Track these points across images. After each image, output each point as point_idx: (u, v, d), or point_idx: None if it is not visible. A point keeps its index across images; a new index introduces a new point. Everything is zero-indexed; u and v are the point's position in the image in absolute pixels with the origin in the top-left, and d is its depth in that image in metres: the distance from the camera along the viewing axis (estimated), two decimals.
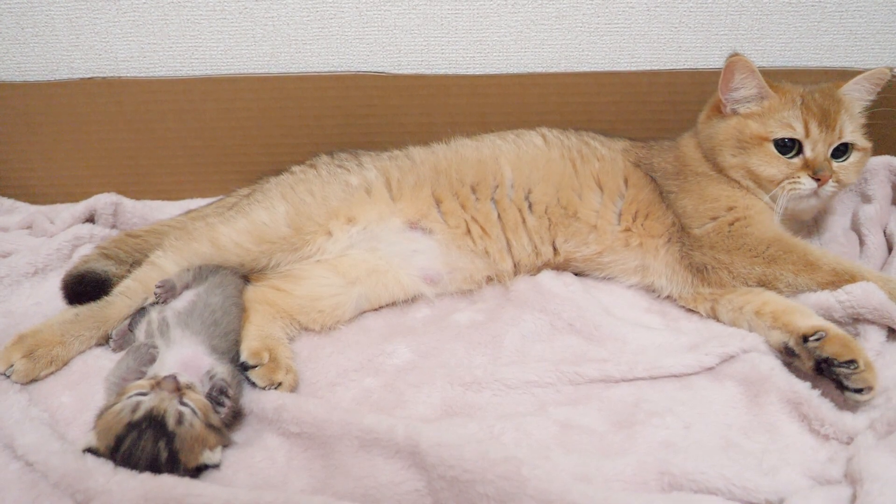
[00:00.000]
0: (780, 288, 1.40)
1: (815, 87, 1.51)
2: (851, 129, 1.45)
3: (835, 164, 1.45)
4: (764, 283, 1.42)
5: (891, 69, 1.45)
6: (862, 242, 1.62)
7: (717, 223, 1.47)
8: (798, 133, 1.44)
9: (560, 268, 1.61)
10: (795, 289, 1.39)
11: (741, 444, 1.11)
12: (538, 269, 1.59)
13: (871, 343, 1.27)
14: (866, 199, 1.73)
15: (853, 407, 1.16)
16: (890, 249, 1.59)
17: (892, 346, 1.29)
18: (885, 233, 1.63)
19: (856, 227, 1.68)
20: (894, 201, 1.73)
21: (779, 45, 2.05)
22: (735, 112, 1.52)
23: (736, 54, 1.48)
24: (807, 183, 1.43)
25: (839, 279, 1.34)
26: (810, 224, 1.72)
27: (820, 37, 2.04)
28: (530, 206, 1.57)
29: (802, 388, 1.19)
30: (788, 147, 1.46)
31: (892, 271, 1.46)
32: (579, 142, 1.66)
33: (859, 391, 1.15)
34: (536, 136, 1.67)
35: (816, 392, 1.20)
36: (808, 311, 1.31)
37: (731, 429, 1.15)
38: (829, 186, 1.43)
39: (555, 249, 1.58)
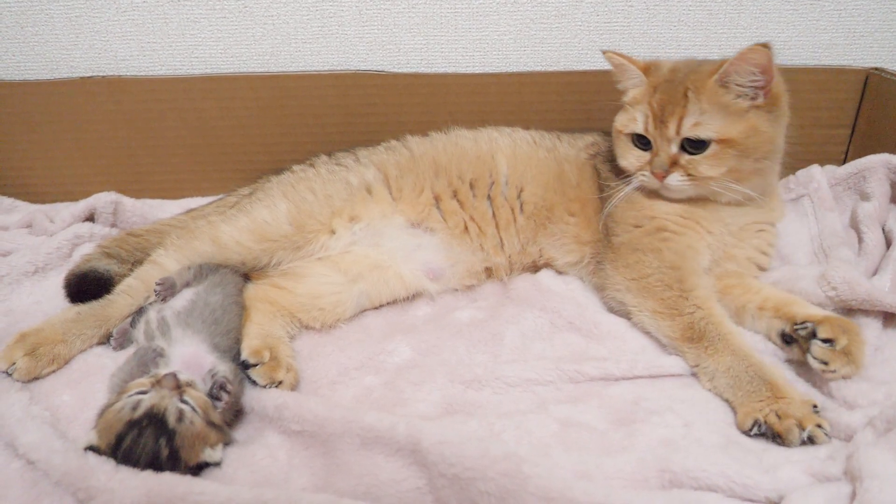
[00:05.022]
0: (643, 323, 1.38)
1: (691, 69, 1.40)
2: (693, 123, 1.34)
3: (685, 159, 1.37)
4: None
5: (765, 45, 1.28)
6: (860, 239, 1.62)
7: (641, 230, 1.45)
8: (639, 127, 1.42)
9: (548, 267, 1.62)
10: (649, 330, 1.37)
11: (741, 441, 1.11)
12: (525, 269, 1.61)
13: (866, 338, 1.27)
14: (865, 196, 1.73)
15: (852, 405, 1.16)
16: (888, 246, 1.59)
17: (890, 335, 1.30)
18: (883, 230, 1.63)
19: (854, 225, 1.68)
20: (893, 199, 1.73)
21: (777, 44, 2.03)
22: None
23: (604, 51, 1.48)
24: (648, 177, 1.41)
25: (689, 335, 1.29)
26: (811, 224, 1.72)
27: (818, 35, 2.05)
28: (521, 206, 1.59)
29: (802, 387, 1.19)
30: (644, 140, 1.42)
31: (890, 267, 1.46)
32: (551, 142, 1.68)
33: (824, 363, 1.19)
34: (526, 134, 1.69)
35: (816, 390, 1.21)
36: (805, 302, 1.34)
37: (732, 427, 1.15)
38: (677, 182, 1.37)
39: (540, 250, 1.60)
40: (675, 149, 1.38)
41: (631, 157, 1.45)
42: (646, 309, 1.36)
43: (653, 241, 1.41)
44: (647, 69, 1.45)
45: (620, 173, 1.50)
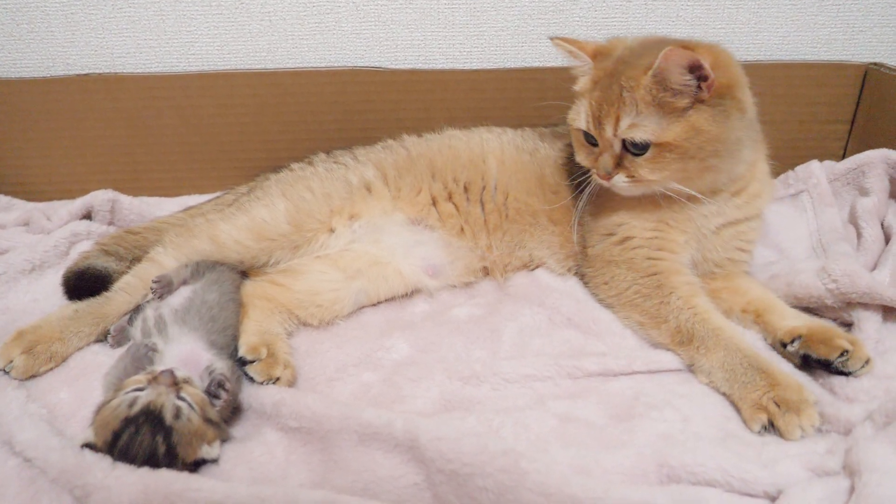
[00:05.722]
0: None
1: (630, 64, 1.28)
2: (629, 125, 1.25)
3: (628, 160, 1.30)
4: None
5: (683, 46, 1.18)
6: (859, 235, 1.62)
7: (612, 239, 1.43)
8: (582, 124, 1.34)
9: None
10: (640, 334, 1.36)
11: (740, 436, 1.11)
12: (519, 269, 1.60)
13: (866, 332, 1.28)
14: (864, 192, 1.73)
15: (852, 399, 1.16)
16: (887, 241, 1.59)
17: (889, 328, 1.30)
18: (882, 225, 1.63)
19: (853, 220, 1.68)
20: (892, 194, 1.72)
21: (776, 39, 2.05)
22: None
23: (552, 38, 1.40)
24: (595, 176, 1.35)
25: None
26: (810, 219, 1.72)
27: (817, 30, 2.05)
28: (507, 213, 1.58)
29: (801, 380, 1.19)
30: (593, 137, 1.34)
31: (890, 261, 1.46)
32: (533, 144, 1.65)
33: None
34: (513, 136, 1.67)
35: (815, 385, 1.21)
36: (787, 310, 1.34)
37: (730, 421, 1.15)
38: (623, 183, 1.31)
39: (530, 254, 1.59)
40: (618, 148, 1.30)
41: (582, 154, 1.39)
42: (632, 321, 1.36)
43: (624, 252, 1.39)
44: (596, 55, 1.34)
45: (582, 170, 1.43)
